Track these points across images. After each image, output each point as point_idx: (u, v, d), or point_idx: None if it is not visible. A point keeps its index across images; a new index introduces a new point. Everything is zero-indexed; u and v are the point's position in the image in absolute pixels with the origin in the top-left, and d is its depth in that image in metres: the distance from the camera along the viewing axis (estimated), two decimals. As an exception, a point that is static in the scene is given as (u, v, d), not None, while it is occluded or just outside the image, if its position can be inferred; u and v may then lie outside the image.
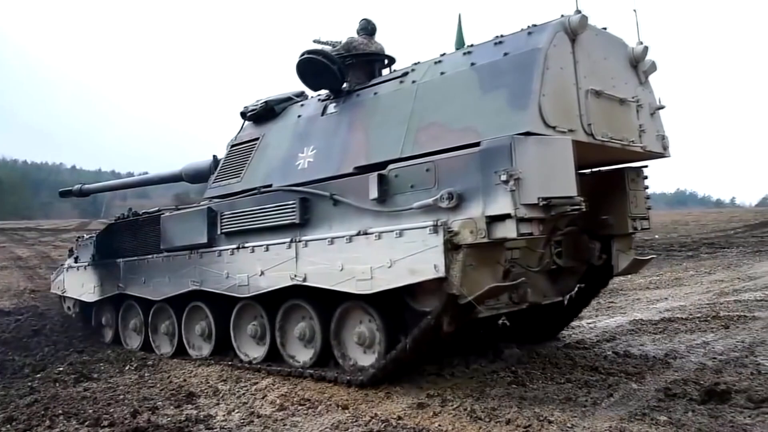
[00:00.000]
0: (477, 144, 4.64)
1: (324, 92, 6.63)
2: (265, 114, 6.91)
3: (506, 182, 4.37)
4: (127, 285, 7.91)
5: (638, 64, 5.81)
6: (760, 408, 4.33)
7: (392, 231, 4.96)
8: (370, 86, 6.01)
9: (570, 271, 6.19)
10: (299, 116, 6.54)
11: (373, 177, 5.16)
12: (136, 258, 7.80)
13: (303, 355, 6.06)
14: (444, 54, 5.63)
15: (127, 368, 7.10)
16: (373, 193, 5.14)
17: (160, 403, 5.40)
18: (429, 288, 4.88)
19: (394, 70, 6.23)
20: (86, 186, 11.17)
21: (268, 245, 6.04)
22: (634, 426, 4.04)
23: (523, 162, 4.40)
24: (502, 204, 4.41)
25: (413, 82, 5.51)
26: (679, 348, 6.40)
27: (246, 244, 6.28)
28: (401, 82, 5.66)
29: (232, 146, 7.21)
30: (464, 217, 4.59)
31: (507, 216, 4.40)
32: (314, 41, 6.81)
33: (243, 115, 7.15)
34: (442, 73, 5.31)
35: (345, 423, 4.49)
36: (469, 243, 4.55)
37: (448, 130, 4.96)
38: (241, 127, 7.33)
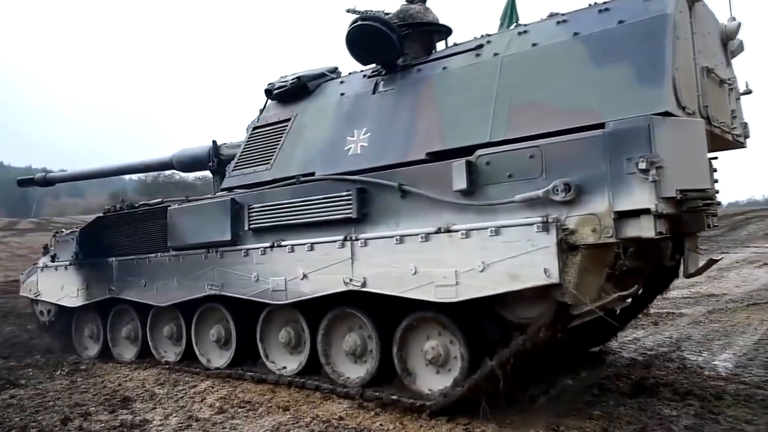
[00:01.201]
0: (598, 126, 3.91)
1: (367, 68, 5.80)
2: (297, 92, 6.00)
3: (645, 171, 3.65)
4: (122, 288, 6.84)
5: (728, 43, 5.22)
6: (685, 400, 4.69)
7: (486, 228, 4.18)
8: (433, 60, 5.20)
9: (634, 273, 5.57)
10: (342, 94, 5.65)
11: (459, 164, 4.36)
12: (134, 257, 6.73)
13: (352, 371, 5.23)
14: (523, 24, 4.90)
15: (58, 373, 6.77)
16: (460, 183, 4.34)
17: (93, 408, 5.24)
18: (528, 295, 4.13)
19: (455, 43, 5.44)
20: (51, 174, 9.92)
21: (312, 244, 5.15)
22: (570, 421, 4.28)
23: (663, 147, 3.69)
24: (638, 197, 3.69)
25: (495, 55, 4.73)
26: (612, 345, 6.66)
27: (283, 243, 5.37)
28: (477, 55, 4.87)
29: (255, 128, 6.26)
30: (584, 213, 3.86)
31: (644, 211, 3.68)
32: (348, 11, 5.94)
33: (268, 92, 6.20)
34: (534, 45, 4.55)
35: (286, 424, 4.51)
36: (589, 243, 3.82)
37: (553, 110, 4.22)
38: (264, 106, 6.38)
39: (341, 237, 4.97)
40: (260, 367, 5.88)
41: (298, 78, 5.98)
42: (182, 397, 5.45)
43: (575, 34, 4.37)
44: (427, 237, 4.47)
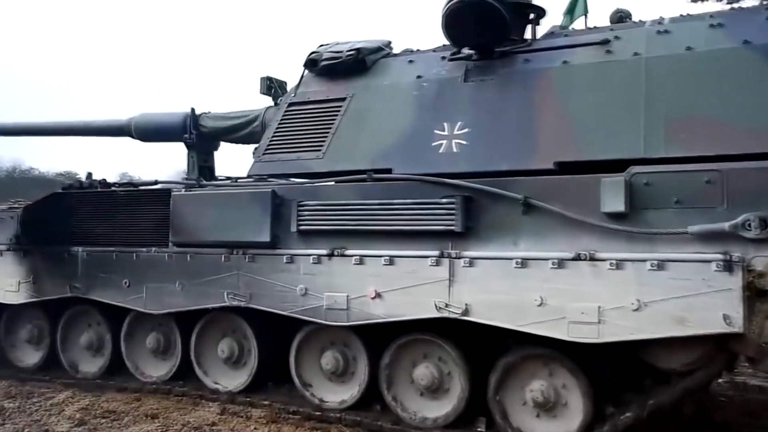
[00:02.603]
0: None
1: (437, 48, 4.97)
2: (353, 66, 4.97)
3: None
4: (91, 287, 5.41)
5: None
6: None
7: (645, 260, 3.56)
8: (541, 50, 4.46)
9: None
10: (419, 77, 4.73)
11: (615, 182, 3.68)
12: (113, 249, 5.33)
13: (428, 410, 4.41)
14: (656, 22, 4.32)
15: None
16: (615, 204, 3.66)
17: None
18: (689, 340, 3.59)
19: (552, 31, 4.76)
20: None
21: (393, 257, 4.25)
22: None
23: None
24: None
25: (635, 54, 4.09)
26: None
27: (347, 251, 4.40)
28: (608, 51, 4.20)
29: (292, 105, 5.14)
30: (778, 254, 3.36)
31: None
32: None
33: (313, 63, 5.10)
34: (688, 49, 3.96)
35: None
36: None
37: (734, 130, 3.67)
38: (301, 79, 5.26)
39: (436, 252, 4.12)
40: (296, 398, 4.86)
41: (357, 50, 4.96)
42: (36, 410, 5.00)
43: (746, 42, 3.84)
44: (561, 263, 3.77)
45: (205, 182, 5.36)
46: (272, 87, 6.59)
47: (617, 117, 3.97)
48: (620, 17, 4.98)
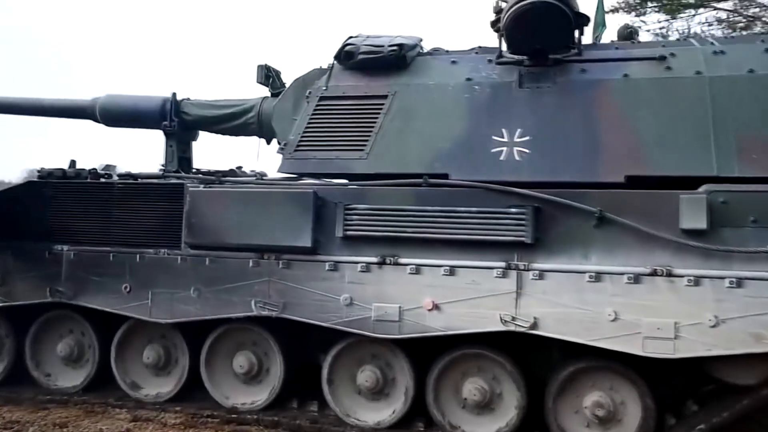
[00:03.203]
0: None
1: (473, 49, 4.82)
2: (393, 62, 4.69)
3: None
4: (79, 291, 4.72)
5: None
6: None
7: (723, 278, 3.62)
8: (600, 61, 4.42)
9: None
10: (468, 79, 4.54)
11: (696, 200, 3.71)
12: (110, 249, 4.68)
13: (477, 426, 4.23)
14: (710, 42, 4.42)
15: None
16: (696, 221, 3.69)
17: None
18: (764, 357, 3.68)
19: (596, 42, 4.77)
20: None
21: (453, 267, 4.04)
22: None
23: None
24: None
25: (697, 73, 4.15)
26: None
27: (401, 260, 4.13)
28: (667, 68, 4.24)
29: (323, 98, 4.76)
30: None
31: None
32: None
33: (349, 55, 4.74)
34: (751, 71, 4.08)
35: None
36: None
37: None
38: (331, 71, 4.89)
39: (501, 263, 3.96)
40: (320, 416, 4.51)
41: (400, 46, 4.67)
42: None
43: None
44: (636, 278, 3.75)
45: (224, 178, 4.84)
46: (270, 76, 6.12)
47: (687, 134, 4.00)
48: (630, 33, 5.08)
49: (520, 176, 4.14)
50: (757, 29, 15.57)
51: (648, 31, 15.44)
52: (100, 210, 4.75)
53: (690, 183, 3.84)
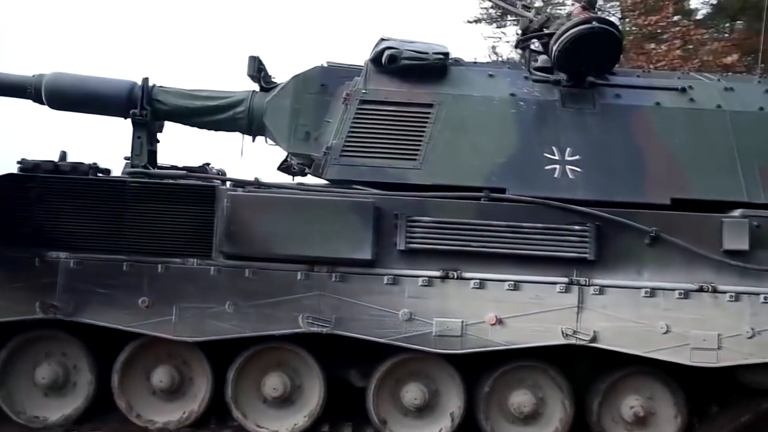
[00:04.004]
0: None
1: (501, 62, 4.92)
2: (435, 71, 4.60)
3: None
4: (81, 307, 4.02)
5: None
6: None
7: (759, 294, 4.08)
8: (631, 87, 4.71)
9: None
10: (512, 94, 4.59)
11: (739, 223, 4.13)
12: (124, 258, 4.05)
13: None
14: (717, 79, 4.92)
15: None
16: (738, 243, 4.10)
17: None
18: None
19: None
20: None
21: (518, 282, 4.08)
22: None
23: None
24: None
25: (718, 107, 4.60)
26: None
27: (465, 275, 4.08)
28: (691, 99, 4.65)
29: (365, 102, 4.53)
30: None
31: None
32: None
33: (392, 59, 4.55)
34: (761, 109, 4.61)
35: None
36: None
37: None
38: (366, 74, 4.66)
39: (564, 279, 4.09)
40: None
41: (445, 54, 4.60)
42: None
43: None
44: (686, 294, 4.08)
45: (263, 182, 4.39)
46: (262, 69, 5.70)
47: (718, 162, 4.42)
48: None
49: (575, 194, 4.29)
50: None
51: (507, 42, 16.21)
52: (108, 212, 4.09)
53: (720, 207, 4.26)
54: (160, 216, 4.11)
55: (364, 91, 4.57)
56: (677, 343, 4.05)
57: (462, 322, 4.06)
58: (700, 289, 4.08)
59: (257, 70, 5.60)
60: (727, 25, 15.99)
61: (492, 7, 16.59)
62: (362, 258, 4.04)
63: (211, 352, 4.24)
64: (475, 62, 4.99)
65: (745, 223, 4.11)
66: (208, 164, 5.75)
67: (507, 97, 4.59)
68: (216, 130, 5.80)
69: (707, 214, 4.19)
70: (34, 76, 5.42)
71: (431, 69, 4.60)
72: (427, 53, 4.60)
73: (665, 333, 4.05)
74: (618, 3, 16.79)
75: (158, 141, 5.70)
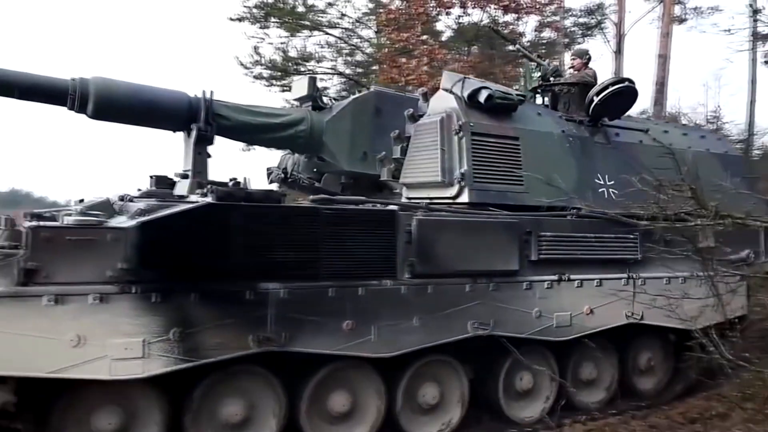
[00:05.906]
0: None
1: (527, 100, 6.17)
2: (512, 109, 5.57)
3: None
4: (294, 336, 4.00)
5: None
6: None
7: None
8: (622, 128, 6.32)
9: None
10: (563, 131, 5.83)
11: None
12: (329, 284, 4.12)
13: (593, 395, 5.67)
14: (648, 120, 6.89)
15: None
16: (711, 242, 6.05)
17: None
18: None
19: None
20: None
21: (601, 279, 5.40)
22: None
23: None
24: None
25: (670, 144, 6.52)
26: None
27: (572, 277, 5.23)
28: (654, 139, 6.47)
29: (476, 134, 5.26)
30: None
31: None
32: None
33: (489, 98, 5.34)
34: (707, 150, 6.67)
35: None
36: None
37: None
38: (462, 108, 5.36)
39: (623, 275, 5.54)
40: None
41: (525, 96, 5.61)
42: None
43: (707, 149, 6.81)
44: (684, 279, 5.90)
45: (431, 206, 4.78)
46: (318, 89, 5.90)
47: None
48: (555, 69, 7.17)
49: (615, 210, 5.74)
50: (358, 57, 19.28)
51: (270, 44, 17.44)
52: (306, 240, 4.14)
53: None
54: (349, 241, 4.32)
55: (471, 124, 5.32)
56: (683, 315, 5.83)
57: (570, 314, 5.21)
58: (692, 275, 5.90)
59: (315, 89, 5.83)
60: (465, 48, 19.34)
61: (256, 7, 16.92)
62: (511, 269, 4.89)
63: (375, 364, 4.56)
64: (521, 99, 6.01)
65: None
66: (234, 179, 5.73)
67: (560, 133, 5.83)
68: (275, 147, 5.84)
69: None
70: (74, 80, 4.80)
71: (509, 107, 5.56)
72: (511, 94, 5.55)
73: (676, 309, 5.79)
74: (374, 17, 18.95)
75: (210, 156, 5.49)
